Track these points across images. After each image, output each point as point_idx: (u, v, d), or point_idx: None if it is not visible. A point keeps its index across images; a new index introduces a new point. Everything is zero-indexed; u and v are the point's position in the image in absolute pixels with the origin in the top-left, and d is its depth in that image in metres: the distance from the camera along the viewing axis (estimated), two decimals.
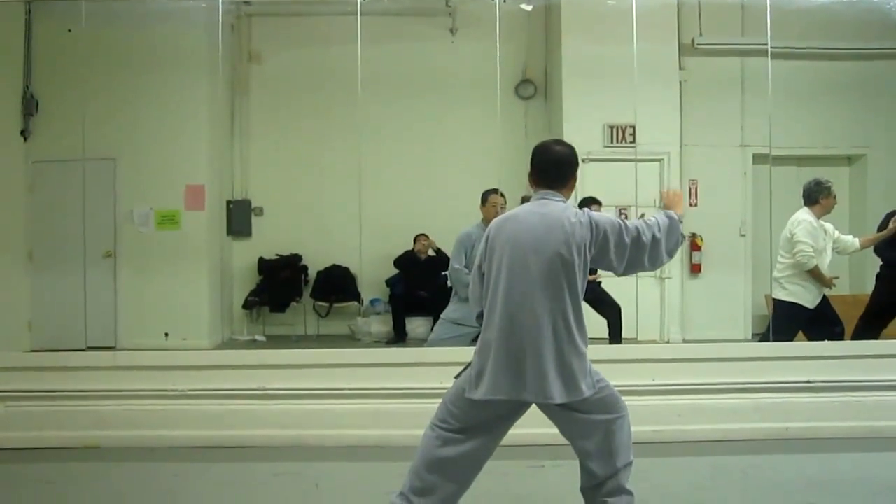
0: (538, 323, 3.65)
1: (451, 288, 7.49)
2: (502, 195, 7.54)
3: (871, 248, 7.57)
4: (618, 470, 3.77)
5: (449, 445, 3.79)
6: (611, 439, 3.75)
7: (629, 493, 3.81)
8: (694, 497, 4.56)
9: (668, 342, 10.05)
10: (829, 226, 7.25)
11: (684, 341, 10.17)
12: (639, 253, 3.83)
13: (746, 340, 9.93)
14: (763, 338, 7.45)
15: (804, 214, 7.15)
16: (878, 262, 7.68)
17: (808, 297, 7.05)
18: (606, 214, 3.88)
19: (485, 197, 7.51)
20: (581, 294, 3.73)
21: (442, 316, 7.31)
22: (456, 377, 3.86)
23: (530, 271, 3.68)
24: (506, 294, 3.71)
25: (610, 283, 8.44)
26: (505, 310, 3.71)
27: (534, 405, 3.77)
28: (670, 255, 3.93)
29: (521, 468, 5.06)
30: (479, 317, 3.87)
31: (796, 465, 5.30)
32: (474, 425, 3.78)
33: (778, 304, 7.09)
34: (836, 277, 7.24)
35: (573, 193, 4.01)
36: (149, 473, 5.29)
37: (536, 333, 3.65)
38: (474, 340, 4.07)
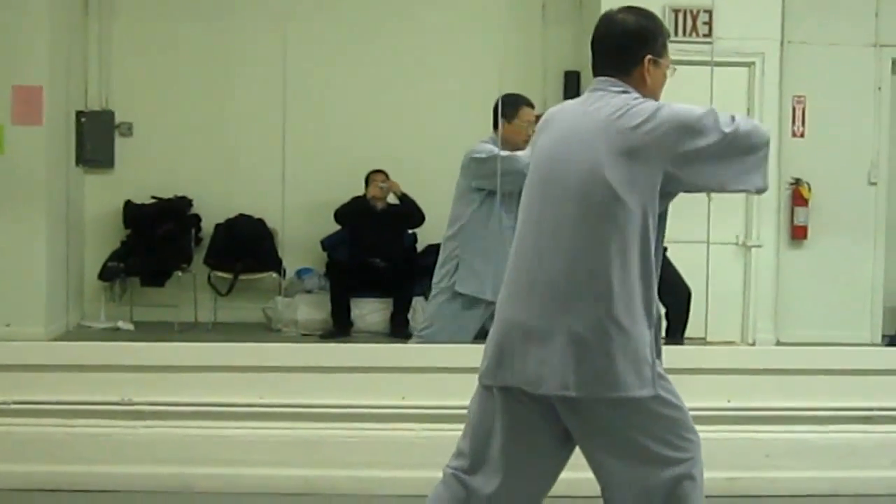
0: (556, 279, 3.69)
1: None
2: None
3: None
4: None
5: (462, 497, 3.82)
6: (670, 500, 3.74)
7: None
8: None
9: (752, 344, 10.14)
10: None
11: (778, 344, 10.25)
12: (742, 156, 3.76)
13: (873, 345, 10.00)
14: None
15: None
16: None
17: None
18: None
19: (509, 111, 7.12)
20: (645, 236, 3.70)
21: (437, 285, 7.23)
22: None
23: (563, 200, 3.72)
24: (528, 233, 3.78)
25: (675, 250, 8.49)
26: (523, 257, 3.78)
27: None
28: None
29: None
30: None
31: None
32: (491, 449, 3.80)
33: None
34: None
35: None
36: None
37: (558, 292, 3.68)
38: (490, 319, 4.10)
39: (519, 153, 6.63)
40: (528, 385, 3.67)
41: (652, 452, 3.68)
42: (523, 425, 3.77)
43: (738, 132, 3.67)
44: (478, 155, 6.99)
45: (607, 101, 3.76)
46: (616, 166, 3.63)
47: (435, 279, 7.17)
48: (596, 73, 3.91)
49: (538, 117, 4.75)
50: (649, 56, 3.85)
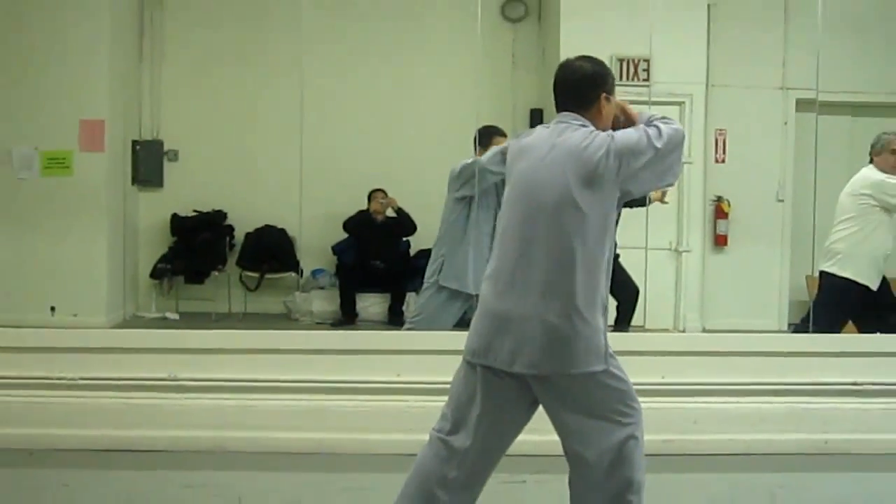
0: (533, 278, 3.75)
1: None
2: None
3: None
4: (626, 497, 3.80)
5: (443, 455, 3.86)
6: (618, 455, 3.79)
7: None
8: None
9: (683, 331, 10.16)
10: None
11: (704, 331, 10.29)
12: (666, 158, 3.84)
13: (781, 332, 10.03)
14: (800, 327, 7.50)
15: (872, 172, 7.06)
16: None
17: (870, 274, 7.08)
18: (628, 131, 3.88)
19: (484, 139, 7.11)
20: (603, 243, 3.75)
21: (427, 281, 7.21)
22: None
23: (539, 214, 3.78)
24: (510, 239, 3.85)
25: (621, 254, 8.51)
26: (505, 260, 3.84)
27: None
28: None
29: (497, 483, 5.10)
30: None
31: (836, 485, 5.38)
32: (470, 414, 3.84)
33: (828, 279, 7.08)
34: None
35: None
36: (30, 482, 5.27)
37: (534, 288, 3.74)
38: (470, 309, 4.14)
39: (481, 157, 6.71)
40: (505, 365, 3.74)
41: (604, 417, 3.76)
42: (499, 396, 3.82)
43: (664, 143, 3.78)
44: (455, 169, 7.06)
45: (571, 133, 3.83)
46: (582, 188, 3.71)
47: (425, 276, 7.18)
48: (559, 109, 3.97)
49: None
50: (604, 94, 3.94)
